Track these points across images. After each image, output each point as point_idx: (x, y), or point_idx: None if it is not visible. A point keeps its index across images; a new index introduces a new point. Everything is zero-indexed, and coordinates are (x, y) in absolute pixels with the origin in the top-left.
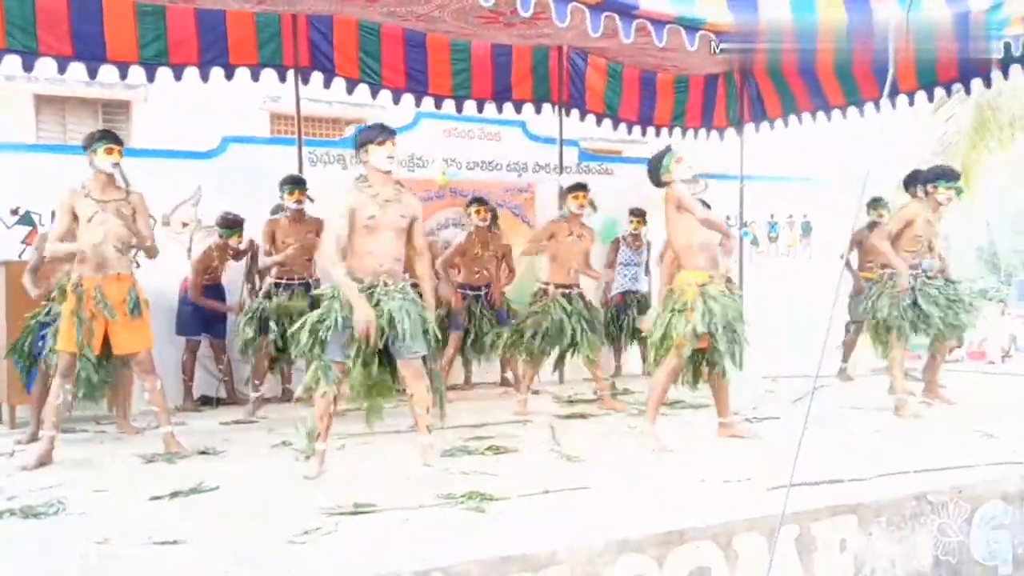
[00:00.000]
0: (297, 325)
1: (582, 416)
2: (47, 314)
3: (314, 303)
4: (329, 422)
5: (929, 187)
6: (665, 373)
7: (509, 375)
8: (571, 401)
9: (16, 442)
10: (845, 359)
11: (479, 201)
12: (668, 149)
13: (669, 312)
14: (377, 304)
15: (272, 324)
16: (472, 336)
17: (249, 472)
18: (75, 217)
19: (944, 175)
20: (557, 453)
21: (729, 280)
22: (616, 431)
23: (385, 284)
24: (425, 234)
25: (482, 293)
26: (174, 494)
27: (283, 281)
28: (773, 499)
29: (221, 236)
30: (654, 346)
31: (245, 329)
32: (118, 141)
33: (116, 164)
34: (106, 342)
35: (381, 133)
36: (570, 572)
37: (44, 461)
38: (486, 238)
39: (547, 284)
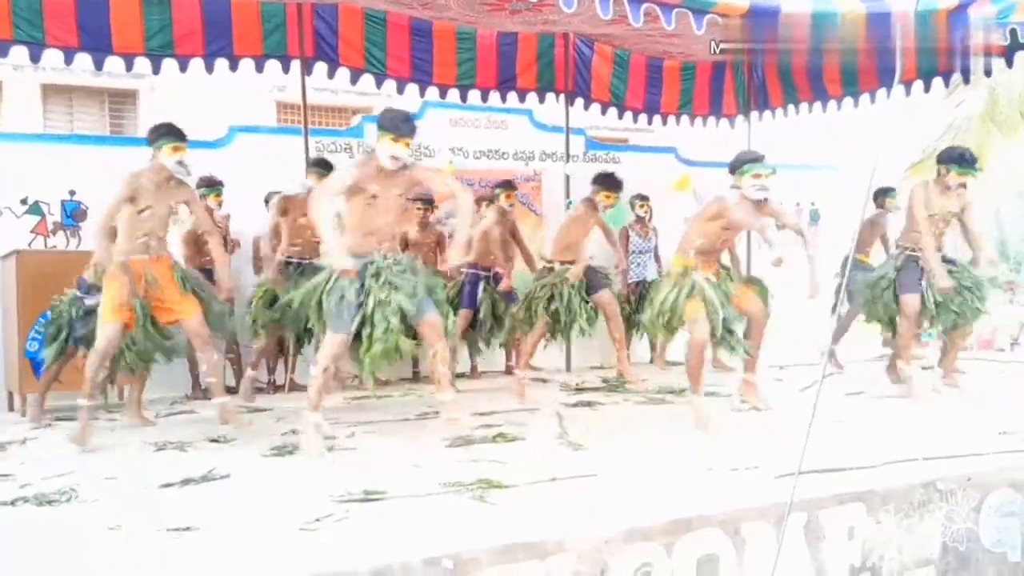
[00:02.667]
0: (298, 294)
1: (588, 404)
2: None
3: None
4: (324, 395)
5: (942, 168)
6: (691, 347)
7: (514, 363)
8: (578, 389)
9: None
10: (836, 341)
11: (509, 185)
12: (756, 158)
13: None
14: (380, 275)
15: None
16: (481, 316)
17: (259, 459)
18: (130, 200)
19: (957, 159)
20: (564, 441)
21: (723, 268)
22: (622, 419)
23: (385, 257)
24: (436, 221)
25: (491, 275)
26: (185, 481)
27: (294, 261)
28: (781, 487)
29: (201, 197)
30: (651, 324)
31: (258, 308)
32: (183, 138)
33: (180, 162)
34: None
35: (400, 127)
36: (577, 560)
37: (87, 436)
38: (504, 222)
39: (551, 262)
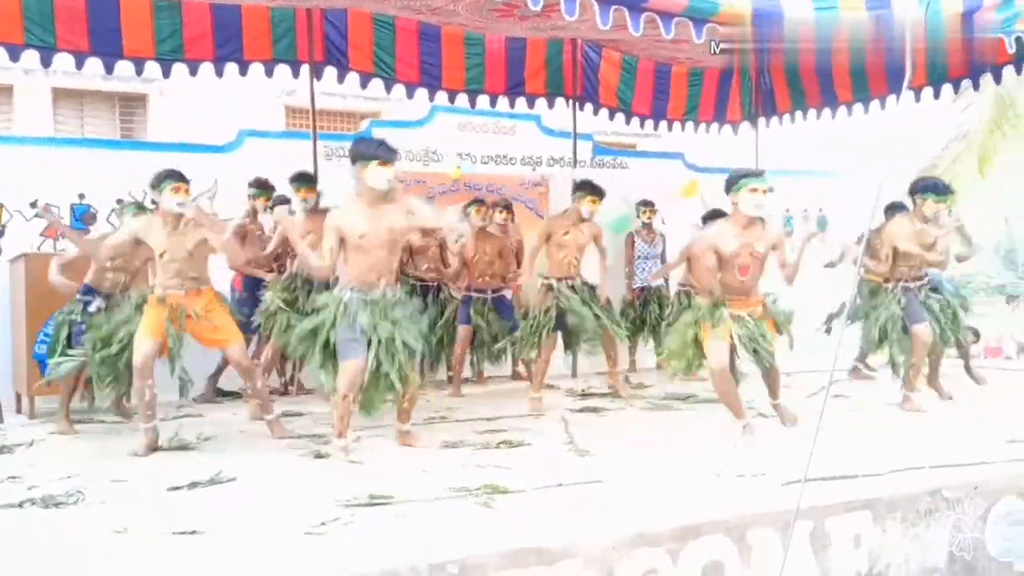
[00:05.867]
0: (297, 331)
1: (594, 410)
2: (83, 311)
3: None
4: (349, 420)
5: (918, 199)
6: (712, 377)
7: (521, 368)
8: (584, 395)
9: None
10: (862, 358)
11: (478, 201)
12: (756, 173)
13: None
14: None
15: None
16: (480, 338)
17: (266, 463)
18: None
19: (932, 188)
20: (570, 447)
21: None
22: (629, 425)
23: (386, 296)
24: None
25: (488, 296)
26: (192, 485)
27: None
28: (787, 494)
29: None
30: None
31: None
32: (184, 179)
33: (182, 203)
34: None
35: (386, 153)
36: (584, 565)
37: (153, 448)
38: (489, 239)
39: (548, 278)
